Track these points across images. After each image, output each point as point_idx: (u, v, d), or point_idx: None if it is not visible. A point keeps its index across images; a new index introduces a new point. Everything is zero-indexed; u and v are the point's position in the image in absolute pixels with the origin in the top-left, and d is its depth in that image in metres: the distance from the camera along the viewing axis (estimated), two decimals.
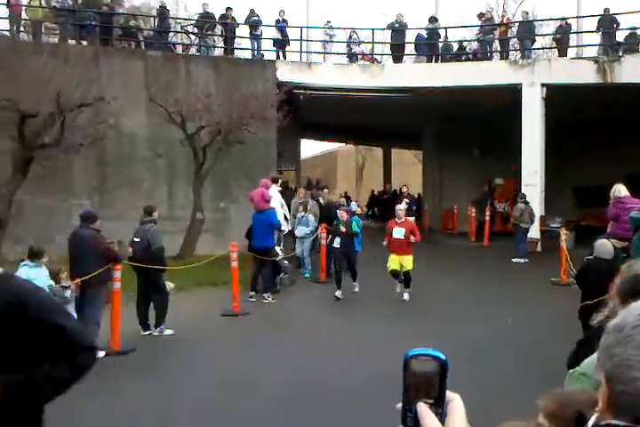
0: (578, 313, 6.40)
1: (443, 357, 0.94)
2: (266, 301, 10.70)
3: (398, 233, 10.23)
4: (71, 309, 7.04)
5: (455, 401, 0.97)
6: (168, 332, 8.33)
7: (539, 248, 16.37)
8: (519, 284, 12.33)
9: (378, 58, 20.02)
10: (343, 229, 10.90)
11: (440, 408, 0.94)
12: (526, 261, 15.03)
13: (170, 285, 8.85)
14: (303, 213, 13.31)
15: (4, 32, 16.65)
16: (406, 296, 10.57)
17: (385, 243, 10.56)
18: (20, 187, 13.06)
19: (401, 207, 10.87)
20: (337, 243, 11.09)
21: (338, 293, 10.74)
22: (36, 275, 6.68)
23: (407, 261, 10.35)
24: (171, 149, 15.43)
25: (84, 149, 14.15)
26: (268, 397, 6.05)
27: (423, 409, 0.93)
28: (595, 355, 2.62)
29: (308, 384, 6.42)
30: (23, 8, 16.64)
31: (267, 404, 5.90)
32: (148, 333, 8.33)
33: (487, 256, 16.08)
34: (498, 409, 5.66)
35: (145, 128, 15.63)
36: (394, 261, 10.31)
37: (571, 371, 2.68)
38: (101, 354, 7.16)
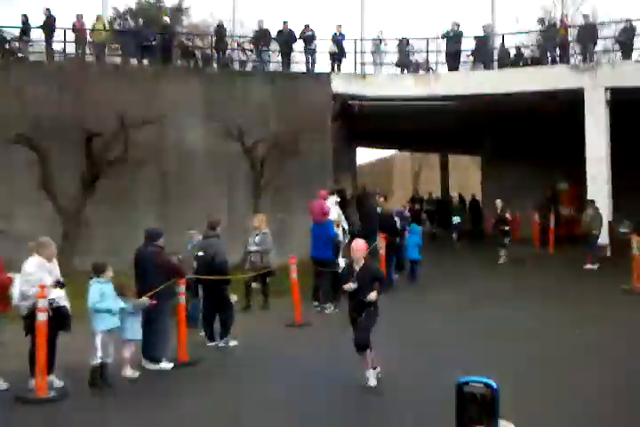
0: None
1: (494, 384, 0.93)
2: (327, 311, 10.72)
3: None
4: (139, 321, 7.24)
5: None
6: (233, 343, 8.45)
7: (608, 253, 15.91)
8: (591, 291, 12.12)
9: (432, 66, 19.90)
10: None
11: None
12: (596, 267, 14.69)
13: (234, 297, 8.98)
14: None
15: (71, 55, 17.40)
16: None
17: None
18: (87, 202, 13.57)
19: None
20: None
21: None
22: (108, 291, 6.89)
23: None
24: (229, 163, 15.73)
25: (147, 165, 14.60)
26: (335, 402, 6.12)
27: None
28: None
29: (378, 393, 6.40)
30: (88, 31, 17.35)
31: (333, 409, 5.97)
32: (213, 344, 8.48)
33: (555, 263, 15.76)
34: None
35: (204, 143, 15.99)
36: None
37: None
38: (170, 366, 7.36)
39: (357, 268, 6.70)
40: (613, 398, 6.23)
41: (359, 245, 6.84)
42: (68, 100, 13.52)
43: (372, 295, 6.49)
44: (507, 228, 15.05)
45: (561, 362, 7.50)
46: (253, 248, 10.59)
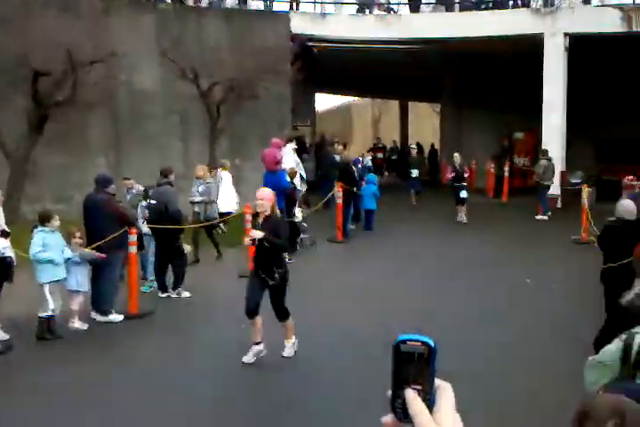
0: (600, 276, 6.33)
1: (431, 342, 0.93)
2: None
3: None
4: (86, 271, 7.09)
5: (444, 387, 0.94)
6: (185, 294, 8.40)
7: (559, 204, 16.22)
8: (541, 242, 12.30)
9: (394, 8, 19.40)
10: None
11: (428, 395, 0.93)
12: (547, 218, 14.97)
13: (187, 247, 8.87)
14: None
15: None
16: None
17: None
18: (35, 146, 13.03)
19: None
20: None
21: None
22: (53, 240, 6.67)
23: None
24: (184, 106, 15.24)
25: (98, 107, 14.01)
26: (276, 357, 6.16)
27: (411, 395, 0.92)
28: (615, 342, 2.56)
29: (324, 342, 6.48)
30: None
31: (283, 361, 6.03)
32: (165, 295, 8.41)
33: (508, 213, 16.01)
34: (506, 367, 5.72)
35: (158, 84, 15.40)
36: None
37: (589, 358, 2.64)
38: (120, 318, 7.29)
39: (260, 220, 5.66)
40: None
41: (263, 194, 5.64)
42: (12, 36, 12.72)
43: (255, 233, 5.44)
44: (464, 183, 14.97)
45: (511, 312, 7.72)
46: (197, 199, 10.14)
